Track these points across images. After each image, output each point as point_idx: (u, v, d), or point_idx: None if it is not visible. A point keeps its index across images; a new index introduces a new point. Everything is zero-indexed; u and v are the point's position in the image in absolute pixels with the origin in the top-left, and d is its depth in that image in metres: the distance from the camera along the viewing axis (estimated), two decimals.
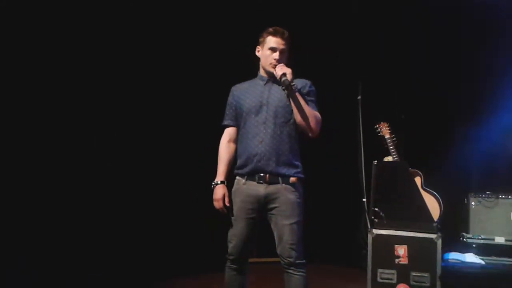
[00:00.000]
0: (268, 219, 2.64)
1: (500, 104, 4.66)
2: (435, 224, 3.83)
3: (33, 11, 4.16)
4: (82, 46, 4.46)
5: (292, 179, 2.61)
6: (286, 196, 2.58)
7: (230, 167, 2.74)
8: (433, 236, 3.68)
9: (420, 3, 4.75)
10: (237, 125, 2.75)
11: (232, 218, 2.65)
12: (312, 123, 2.59)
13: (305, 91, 2.69)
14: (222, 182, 2.67)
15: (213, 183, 2.69)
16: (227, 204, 2.64)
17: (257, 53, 2.75)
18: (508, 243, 4.38)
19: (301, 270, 2.57)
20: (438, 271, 3.59)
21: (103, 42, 4.55)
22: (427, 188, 4.36)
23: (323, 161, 4.87)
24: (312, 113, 2.61)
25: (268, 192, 2.58)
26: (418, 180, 4.35)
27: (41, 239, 4.13)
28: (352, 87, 4.87)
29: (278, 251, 2.60)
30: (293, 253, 2.55)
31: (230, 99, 2.79)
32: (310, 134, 2.62)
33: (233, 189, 2.70)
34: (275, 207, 2.59)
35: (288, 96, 2.59)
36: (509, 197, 4.48)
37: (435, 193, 4.34)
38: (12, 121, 4.11)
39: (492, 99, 4.73)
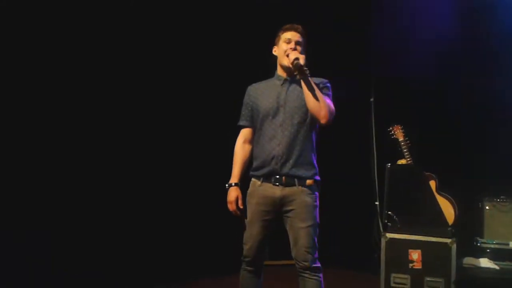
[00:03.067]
0: (284, 221, 2.62)
1: None
2: (449, 229, 3.79)
3: (33, 11, 4.16)
4: (86, 47, 4.46)
5: (308, 181, 2.58)
6: (302, 198, 2.55)
7: (245, 169, 2.72)
8: (448, 240, 3.64)
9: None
10: (253, 126, 2.73)
11: (247, 220, 2.63)
12: (324, 109, 2.53)
13: (321, 86, 2.66)
14: (236, 184, 2.66)
15: (227, 185, 2.67)
16: (241, 207, 2.62)
17: (274, 53, 2.75)
18: None
19: (317, 274, 2.55)
20: (453, 276, 3.55)
21: (112, 44, 4.56)
22: (442, 192, 4.31)
23: (335, 164, 4.82)
24: (324, 100, 2.56)
25: (284, 194, 2.56)
26: (432, 184, 4.30)
27: (62, 242, 4.16)
28: (366, 89, 4.83)
29: (293, 254, 2.57)
30: (309, 257, 2.52)
31: (246, 99, 2.76)
32: (322, 121, 2.56)
33: (248, 191, 2.68)
34: (291, 210, 2.56)
35: (300, 79, 2.55)
36: None
37: (450, 197, 4.28)
38: (12, 121, 4.11)
39: (508, 100, 4.67)
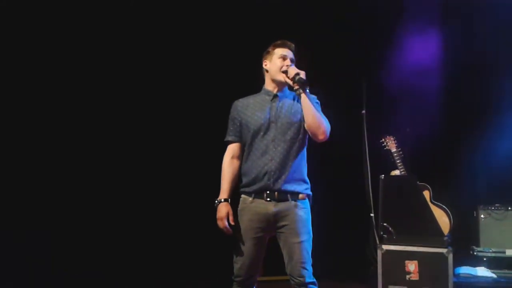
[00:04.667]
0: (277, 237, 2.58)
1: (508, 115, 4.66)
2: (445, 239, 3.78)
3: (33, 11, 4.18)
4: (79, 48, 4.49)
5: (301, 195, 2.57)
6: (295, 213, 2.52)
7: (234, 184, 2.67)
8: (444, 250, 3.63)
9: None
10: (241, 141, 2.69)
11: (239, 237, 2.56)
12: (323, 126, 2.55)
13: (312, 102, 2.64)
14: (225, 200, 2.60)
15: (216, 201, 2.61)
16: (232, 223, 2.56)
17: (264, 67, 2.73)
18: None
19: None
20: (450, 286, 3.53)
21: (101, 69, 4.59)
22: (436, 202, 4.30)
23: (328, 176, 4.83)
24: (322, 117, 2.59)
25: (278, 209, 2.53)
26: (426, 194, 4.29)
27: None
28: (357, 101, 4.84)
29: (288, 270, 2.53)
30: (305, 272, 2.48)
31: (233, 114, 2.71)
32: (320, 137, 2.57)
33: (239, 208, 2.62)
34: (285, 225, 2.53)
35: (299, 96, 2.57)
36: None
37: (444, 207, 4.28)
38: (12, 121, 4.15)
39: (500, 110, 4.72)
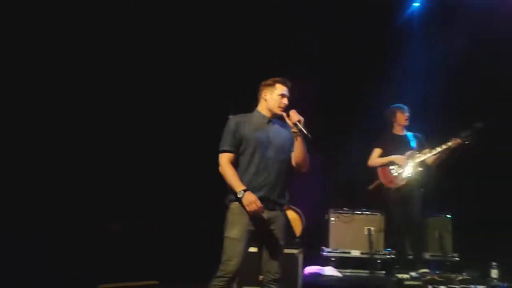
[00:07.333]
0: (260, 240, 2.92)
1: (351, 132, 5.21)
2: (297, 240, 3.99)
3: (33, 11, 4.27)
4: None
5: (285, 207, 3.04)
6: (281, 221, 2.96)
7: None
8: (295, 251, 3.84)
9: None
10: (236, 152, 2.95)
11: (233, 238, 2.82)
12: (308, 163, 3.00)
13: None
14: (247, 190, 2.84)
15: (240, 191, 2.82)
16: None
17: (264, 96, 3.06)
18: (363, 255, 4.72)
19: (280, 285, 2.90)
20: (299, 285, 3.73)
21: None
22: (290, 205, 4.51)
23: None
24: (307, 156, 2.99)
25: (270, 217, 2.91)
26: None
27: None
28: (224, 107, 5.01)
29: (267, 268, 2.89)
30: (280, 270, 2.90)
31: (233, 128, 2.97)
32: (303, 170, 3.01)
33: (236, 212, 2.87)
34: (272, 230, 2.91)
35: (295, 137, 2.93)
36: (364, 212, 4.85)
37: (297, 209, 4.51)
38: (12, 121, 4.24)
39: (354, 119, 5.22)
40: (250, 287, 3.69)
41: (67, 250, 4.35)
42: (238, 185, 2.85)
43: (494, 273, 4.13)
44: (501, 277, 4.10)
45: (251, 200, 2.81)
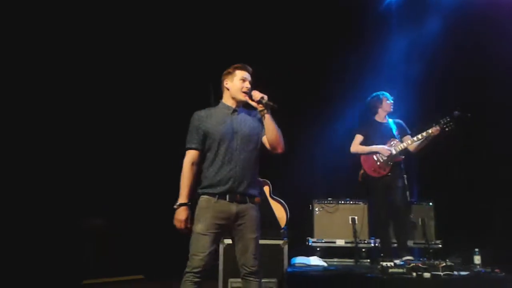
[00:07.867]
0: (233, 233, 2.90)
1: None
2: (282, 231, 4.00)
3: (33, 11, 4.31)
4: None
5: (256, 199, 2.96)
6: (252, 213, 2.90)
7: (191, 189, 2.91)
8: (280, 242, 3.85)
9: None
10: (202, 149, 2.94)
11: (198, 232, 2.79)
12: (282, 141, 2.94)
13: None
14: (185, 204, 2.85)
15: (176, 204, 2.84)
16: (189, 226, 2.83)
17: (225, 85, 3.02)
18: (347, 245, 4.74)
19: (259, 277, 2.89)
20: (285, 275, 3.74)
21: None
22: (274, 197, 4.53)
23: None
24: (280, 134, 2.94)
25: (239, 210, 2.86)
26: (266, 189, 4.50)
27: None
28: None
29: (242, 261, 2.87)
30: (256, 262, 2.87)
31: (196, 124, 2.95)
32: (278, 151, 2.95)
33: (201, 206, 2.86)
34: (243, 223, 2.87)
35: (262, 116, 2.90)
36: (347, 202, 4.87)
37: (282, 201, 4.52)
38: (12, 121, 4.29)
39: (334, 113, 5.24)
40: (235, 279, 3.70)
41: (51, 246, 4.32)
42: (181, 196, 2.86)
43: (477, 259, 4.19)
44: (483, 263, 4.16)
45: (179, 218, 2.82)
